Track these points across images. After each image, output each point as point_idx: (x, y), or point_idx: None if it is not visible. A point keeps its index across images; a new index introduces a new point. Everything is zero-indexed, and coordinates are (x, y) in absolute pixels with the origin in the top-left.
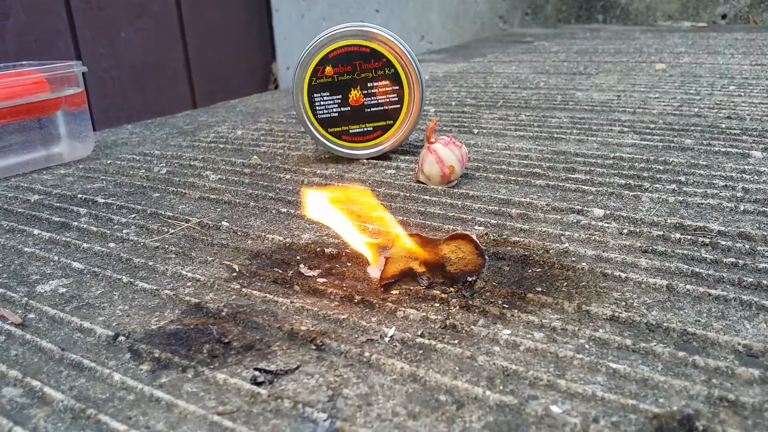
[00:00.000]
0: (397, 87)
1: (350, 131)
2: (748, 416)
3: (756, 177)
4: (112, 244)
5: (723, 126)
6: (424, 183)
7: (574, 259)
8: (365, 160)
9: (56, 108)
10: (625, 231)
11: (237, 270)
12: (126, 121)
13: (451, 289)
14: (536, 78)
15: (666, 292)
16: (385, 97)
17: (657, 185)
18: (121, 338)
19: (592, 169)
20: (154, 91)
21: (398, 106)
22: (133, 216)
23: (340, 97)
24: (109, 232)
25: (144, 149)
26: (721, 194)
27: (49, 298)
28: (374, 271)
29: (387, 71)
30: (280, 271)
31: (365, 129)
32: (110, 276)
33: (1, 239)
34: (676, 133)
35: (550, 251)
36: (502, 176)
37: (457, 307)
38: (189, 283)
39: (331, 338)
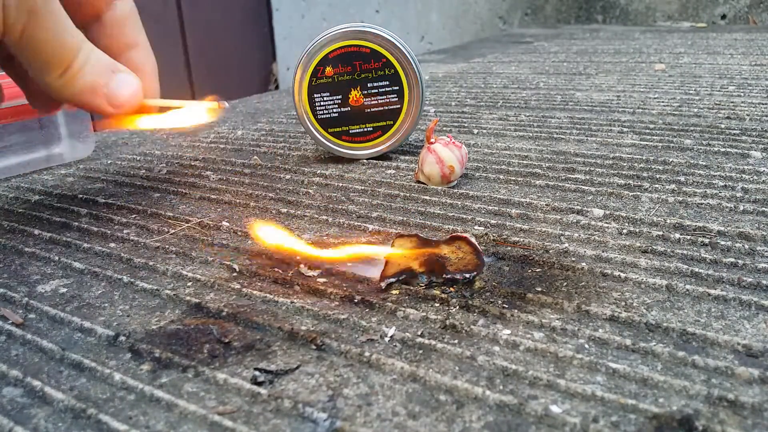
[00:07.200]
0: (397, 87)
1: (350, 131)
2: (747, 416)
3: (755, 177)
4: (112, 244)
5: (722, 126)
6: (424, 183)
7: (573, 259)
8: (365, 160)
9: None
10: (624, 231)
11: (237, 270)
12: None
13: (451, 289)
14: (536, 78)
15: (665, 292)
16: (385, 97)
17: (656, 185)
18: (122, 338)
19: (592, 169)
20: None
21: (398, 106)
22: (133, 216)
23: (340, 97)
24: (109, 232)
25: (144, 149)
26: (720, 194)
27: (50, 298)
28: (370, 270)
29: (387, 72)
30: (280, 271)
31: (365, 129)
32: (111, 276)
33: (2, 239)
34: (676, 134)
35: (550, 251)
36: (501, 176)
37: (457, 307)
38: (189, 283)
39: (331, 338)
